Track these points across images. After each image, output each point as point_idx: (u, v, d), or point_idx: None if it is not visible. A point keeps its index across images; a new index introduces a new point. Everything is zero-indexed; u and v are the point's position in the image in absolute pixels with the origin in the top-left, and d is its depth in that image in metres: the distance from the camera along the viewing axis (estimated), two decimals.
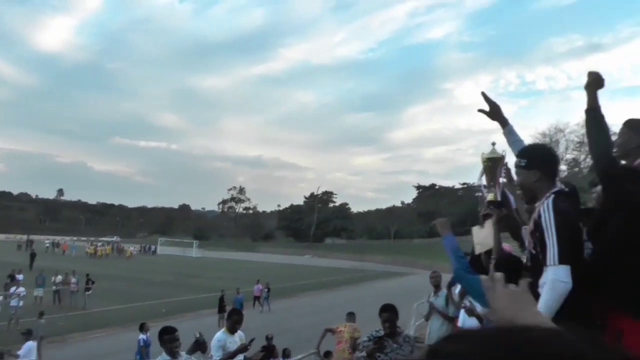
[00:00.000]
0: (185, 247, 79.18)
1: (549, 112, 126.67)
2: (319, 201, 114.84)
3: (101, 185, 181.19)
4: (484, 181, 3.79)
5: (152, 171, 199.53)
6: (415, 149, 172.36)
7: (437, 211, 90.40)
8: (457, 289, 7.27)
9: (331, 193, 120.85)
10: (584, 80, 2.81)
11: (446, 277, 8.01)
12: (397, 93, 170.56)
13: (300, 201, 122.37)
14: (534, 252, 2.84)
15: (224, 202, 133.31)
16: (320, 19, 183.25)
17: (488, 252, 3.70)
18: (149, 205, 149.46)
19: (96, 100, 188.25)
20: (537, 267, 2.77)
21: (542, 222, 2.69)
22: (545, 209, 2.72)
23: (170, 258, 63.38)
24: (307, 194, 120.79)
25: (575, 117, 65.86)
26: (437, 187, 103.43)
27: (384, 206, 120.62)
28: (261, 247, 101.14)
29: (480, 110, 3.55)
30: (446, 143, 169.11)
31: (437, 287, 8.73)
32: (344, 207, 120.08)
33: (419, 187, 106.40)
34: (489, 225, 3.60)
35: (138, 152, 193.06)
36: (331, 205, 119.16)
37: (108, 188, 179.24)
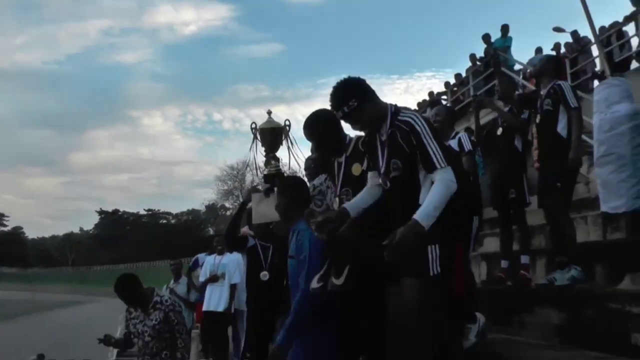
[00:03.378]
0: None
1: (234, 150, 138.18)
2: None
3: None
4: (257, 154, 4.10)
5: None
6: (96, 175, 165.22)
7: (120, 237, 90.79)
8: (202, 274, 7.96)
9: (2, 215, 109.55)
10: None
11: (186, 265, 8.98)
12: (80, 113, 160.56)
13: None
14: (397, 174, 2.85)
15: None
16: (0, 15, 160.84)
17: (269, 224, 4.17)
18: None
19: None
20: (401, 188, 2.86)
21: (418, 130, 2.75)
22: (415, 119, 2.79)
23: None
24: None
25: (261, 156, 75.44)
26: (120, 212, 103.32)
27: (61, 232, 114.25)
28: None
29: None
30: (129, 171, 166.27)
31: (177, 274, 9.01)
32: (17, 232, 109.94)
33: (101, 212, 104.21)
34: (274, 198, 3.66)
35: None
36: (1, 229, 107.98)
37: None
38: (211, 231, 75.45)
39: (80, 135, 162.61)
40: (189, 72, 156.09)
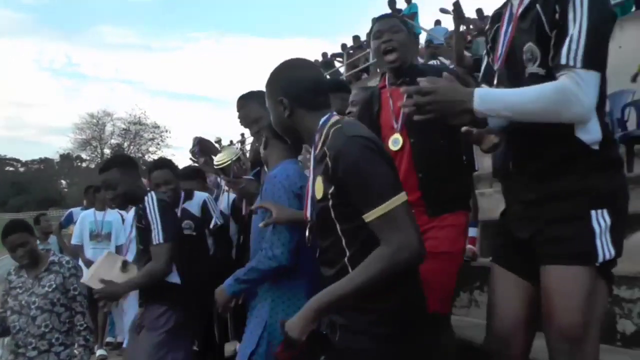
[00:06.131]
0: None
1: (93, 97, 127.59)
2: None
3: None
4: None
5: None
6: None
7: None
8: (77, 233, 6.50)
9: None
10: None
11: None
12: None
13: None
14: (534, 70, 1.69)
15: None
16: None
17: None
18: None
19: None
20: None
21: None
22: None
23: None
24: None
25: (123, 106, 72.33)
26: None
27: None
28: None
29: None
30: None
31: (46, 232, 7.46)
32: None
33: None
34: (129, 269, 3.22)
35: None
36: None
37: None
38: (64, 184, 70.29)
39: None
40: (50, 5, 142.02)
